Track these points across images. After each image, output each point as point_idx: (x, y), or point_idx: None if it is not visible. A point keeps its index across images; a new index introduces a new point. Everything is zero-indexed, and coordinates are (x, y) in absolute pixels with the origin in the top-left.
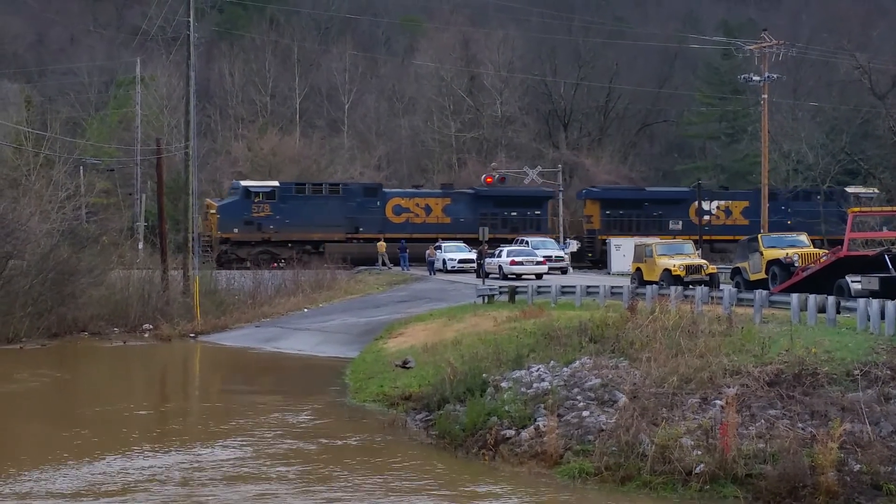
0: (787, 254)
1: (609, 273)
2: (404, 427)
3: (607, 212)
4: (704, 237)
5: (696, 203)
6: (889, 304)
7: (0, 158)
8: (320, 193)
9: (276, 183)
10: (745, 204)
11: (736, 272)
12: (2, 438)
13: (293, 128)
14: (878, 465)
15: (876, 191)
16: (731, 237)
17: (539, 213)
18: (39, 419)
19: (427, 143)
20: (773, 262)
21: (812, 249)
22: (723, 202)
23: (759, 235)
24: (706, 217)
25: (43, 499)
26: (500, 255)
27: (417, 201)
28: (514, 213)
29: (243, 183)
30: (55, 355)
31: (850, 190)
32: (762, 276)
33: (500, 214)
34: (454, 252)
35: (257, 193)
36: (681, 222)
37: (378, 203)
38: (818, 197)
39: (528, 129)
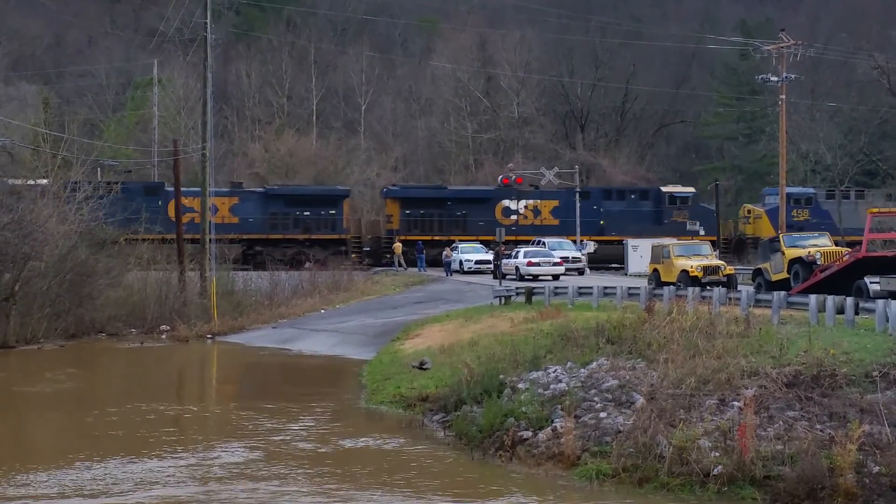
0: (809, 252)
1: (626, 274)
2: (421, 428)
3: (407, 211)
4: (509, 238)
5: (502, 202)
6: None
7: (18, 160)
8: (97, 192)
9: (44, 181)
10: (555, 203)
11: (757, 273)
12: (18, 438)
13: (310, 129)
14: None
15: (693, 190)
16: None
17: (334, 212)
18: (58, 419)
19: (444, 145)
20: (795, 261)
21: (834, 248)
22: (531, 201)
23: (781, 235)
24: (513, 217)
25: (58, 499)
26: (517, 257)
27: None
28: (308, 213)
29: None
30: (73, 356)
31: (665, 189)
32: (784, 275)
33: (291, 214)
34: (471, 253)
35: None
36: (493, 224)
37: (160, 202)
38: (632, 196)
39: (545, 130)
